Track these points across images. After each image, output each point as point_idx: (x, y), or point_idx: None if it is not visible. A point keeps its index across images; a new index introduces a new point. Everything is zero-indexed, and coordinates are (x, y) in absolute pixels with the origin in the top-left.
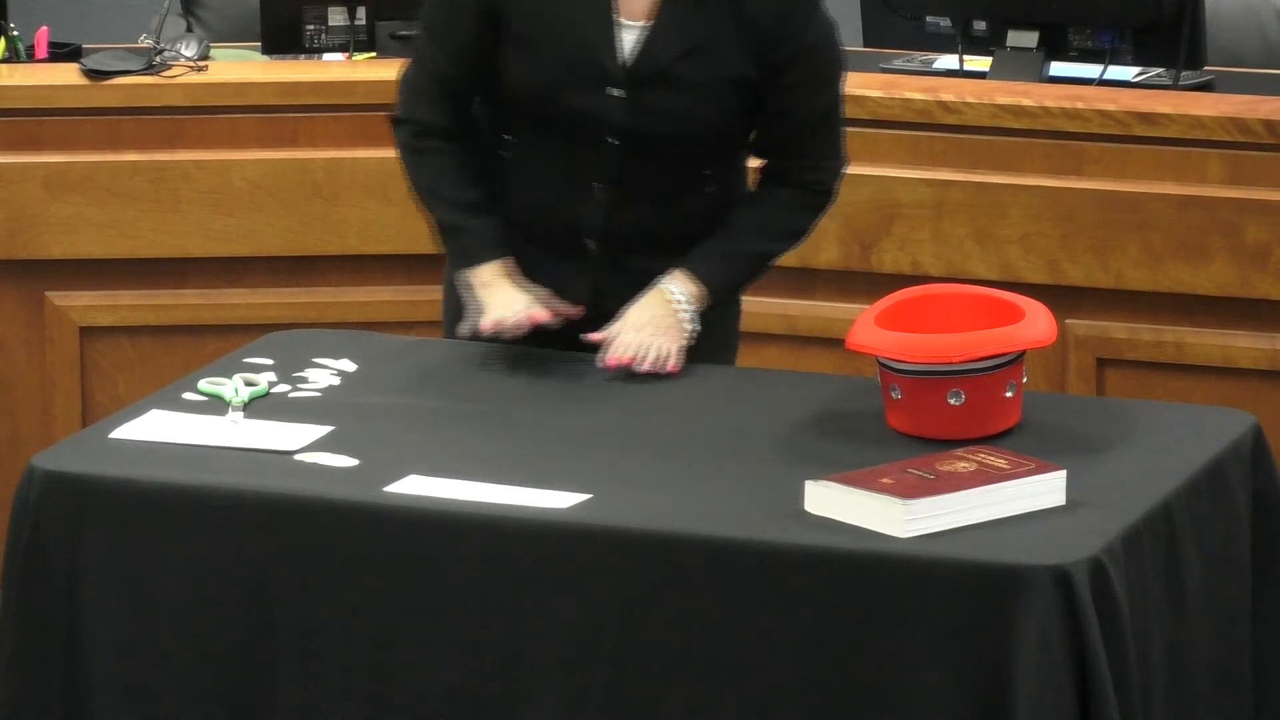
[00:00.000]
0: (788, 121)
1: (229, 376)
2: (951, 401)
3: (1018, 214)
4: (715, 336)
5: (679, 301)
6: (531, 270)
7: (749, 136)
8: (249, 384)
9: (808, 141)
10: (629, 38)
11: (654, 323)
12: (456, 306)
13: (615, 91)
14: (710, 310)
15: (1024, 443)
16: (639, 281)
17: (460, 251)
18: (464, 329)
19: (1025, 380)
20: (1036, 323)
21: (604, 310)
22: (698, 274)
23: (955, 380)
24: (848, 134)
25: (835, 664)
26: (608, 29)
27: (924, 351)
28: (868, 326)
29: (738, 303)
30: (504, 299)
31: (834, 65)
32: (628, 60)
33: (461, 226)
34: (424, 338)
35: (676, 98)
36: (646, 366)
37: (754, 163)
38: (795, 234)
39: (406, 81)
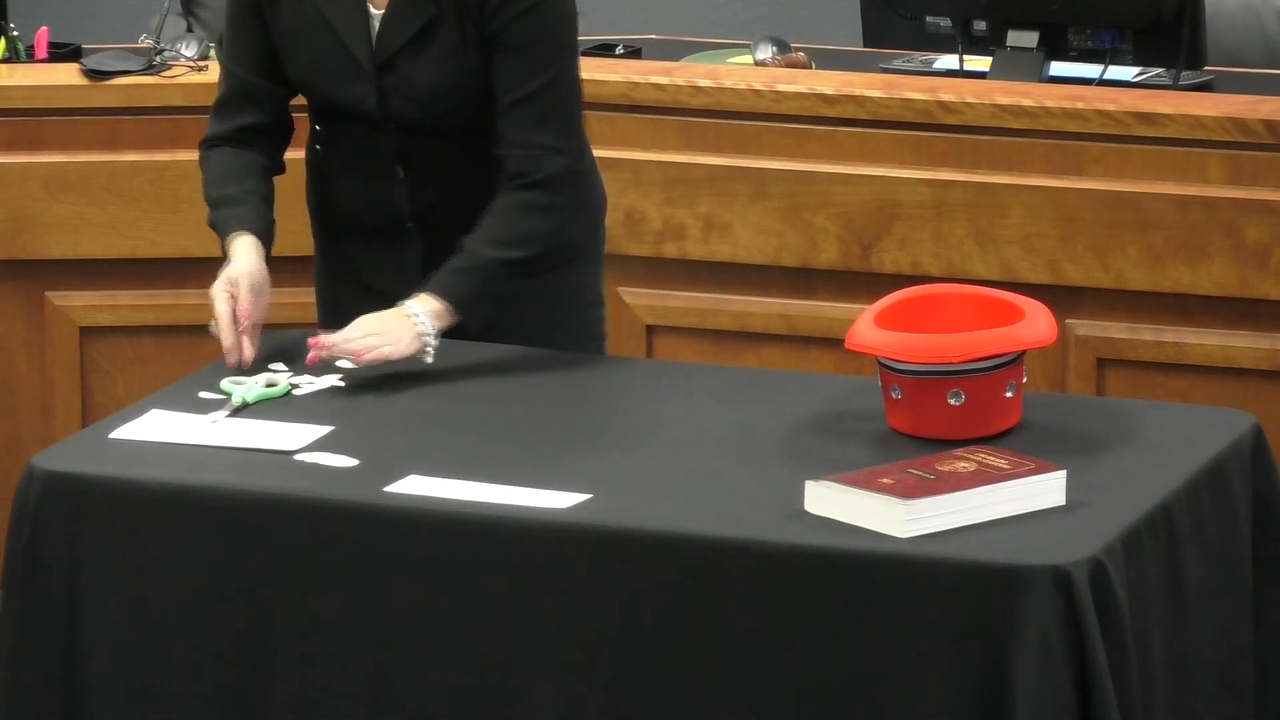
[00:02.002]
0: (501, 100)
1: (250, 375)
2: (951, 401)
3: (1018, 214)
4: (572, 330)
5: (415, 315)
6: (361, 263)
7: None
8: (270, 384)
9: (521, 126)
10: (376, 25)
11: (382, 327)
12: (328, 301)
13: (367, 79)
14: (454, 325)
15: (1024, 443)
16: None
17: (221, 242)
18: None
19: (1025, 380)
20: (1036, 323)
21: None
22: (435, 291)
23: (955, 380)
24: (850, 134)
25: (835, 664)
26: (361, 17)
27: (924, 351)
28: (868, 326)
29: (597, 297)
30: (221, 277)
31: (549, 42)
32: (374, 46)
33: (216, 220)
34: None
35: (417, 78)
36: (344, 352)
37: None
38: (524, 240)
39: (211, 109)
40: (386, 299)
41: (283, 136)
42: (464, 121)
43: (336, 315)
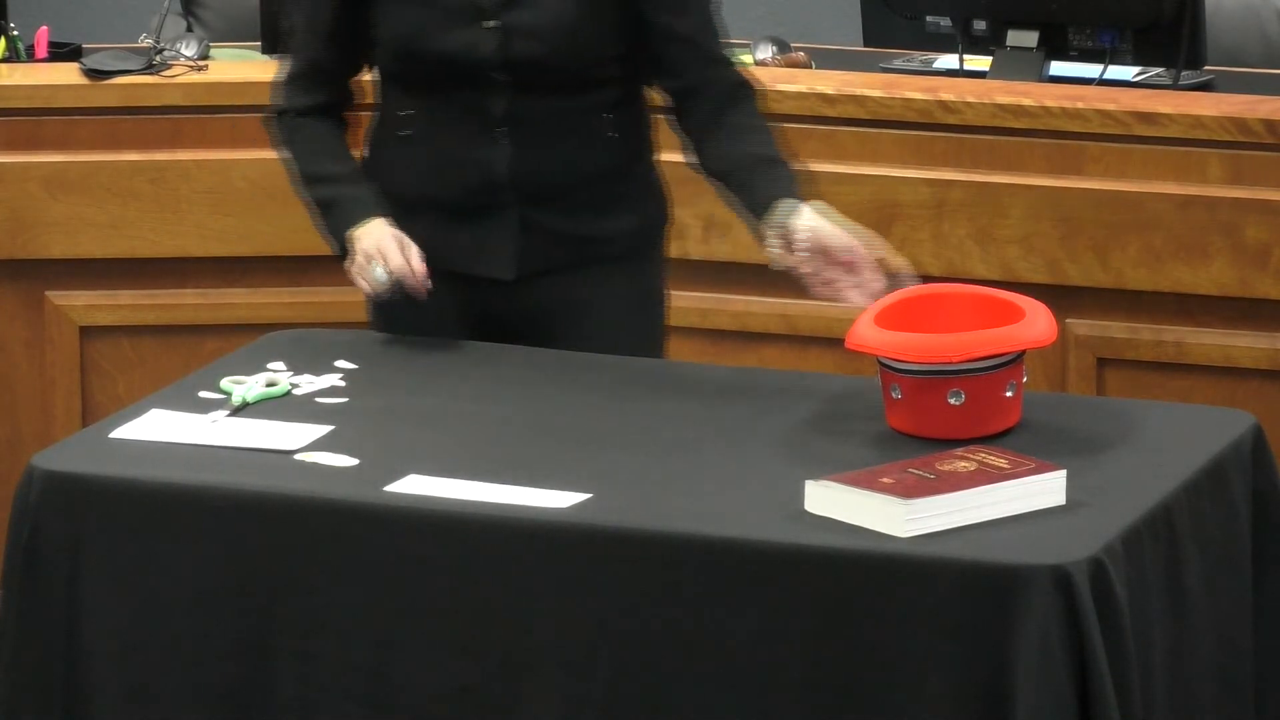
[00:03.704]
0: (681, 24)
1: (250, 375)
2: (952, 401)
3: (1018, 214)
4: (641, 332)
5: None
6: (439, 244)
7: (638, 74)
8: (270, 384)
9: (713, 46)
10: None
11: (843, 225)
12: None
13: (488, 23)
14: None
15: (1024, 443)
16: (557, 243)
17: (339, 221)
18: (369, 287)
19: (1025, 380)
20: (1036, 322)
21: (526, 271)
22: (802, 195)
23: (956, 380)
24: (850, 134)
25: (835, 664)
26: None
27: (924, 351)
28: (868, 326)
29: (664, 294)
30: (372, 236)
31: None
32: None
33: (335, 197)
34: (424, 338)
35: (546, 17)
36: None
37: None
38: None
39: (276, 81)
40: (463, 284)
41: (350, 114)
42: (583, 64)
43: (392, 307)
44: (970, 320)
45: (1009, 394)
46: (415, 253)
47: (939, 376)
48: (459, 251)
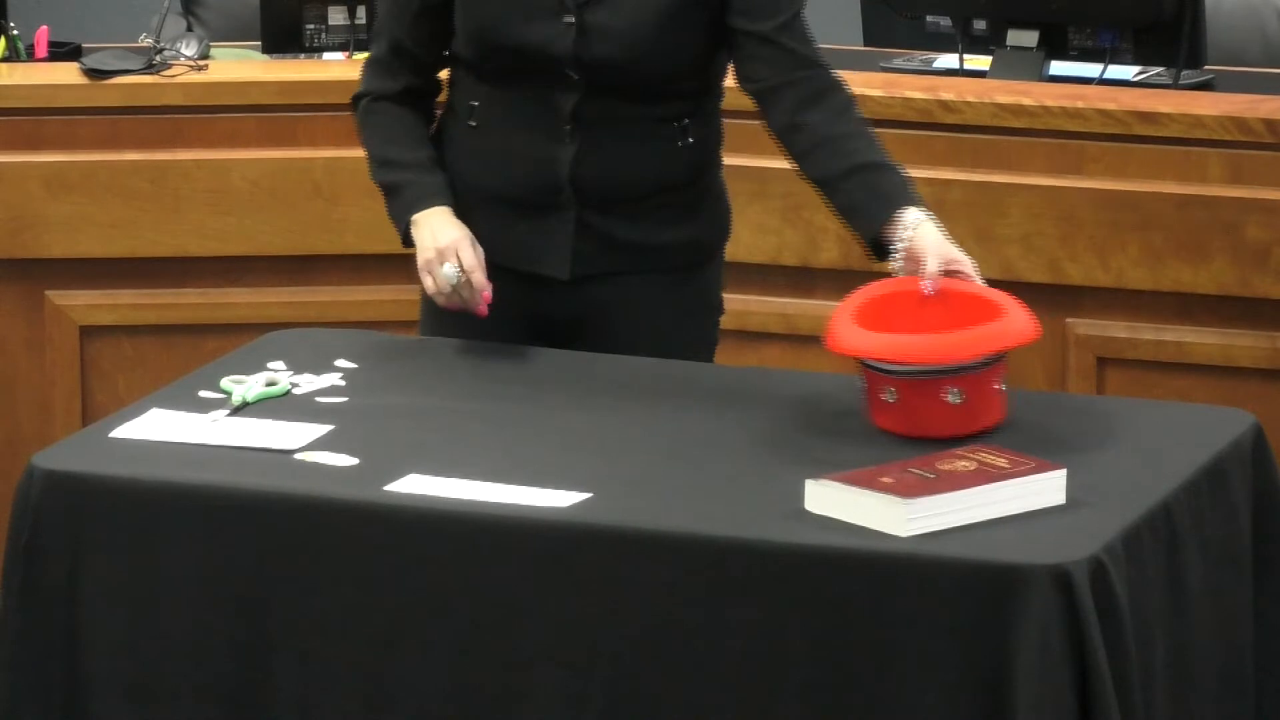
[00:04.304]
0: (762, 26)
1: (250, 374)
2: (950, 400)
3: (1018, 214)
4: (692, 341)
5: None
6: (509, 239)
7: (716, 81)
8: (270, 384)
9: (803, 44)
10: None
11: (948, 249)
12: (432, 303)
13: (567, 18)
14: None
15: (1023, 442)
16: (614, 248)
17: (402, 206)
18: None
19: (1007, 372)
20: (1019, 316)
21: (580, 275)
22: (913, 204)
23: (954, 379)
24: None
25: (835, 664)
26: None
27: (923, 353)
28: (849, 328)
29: (718, 304)
30: (434, 229)
31: None
32: None
33: (403, 182)
34: (424, 337)
35: (623, 19)
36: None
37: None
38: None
39: (365, 63)
40: (518, 279)
41: (435, 102)
42: (659, 70)
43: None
44: (945, 315)
45: (1000, 387)
46: (482, 264)
47: (937, 377)
48: (516, 247)
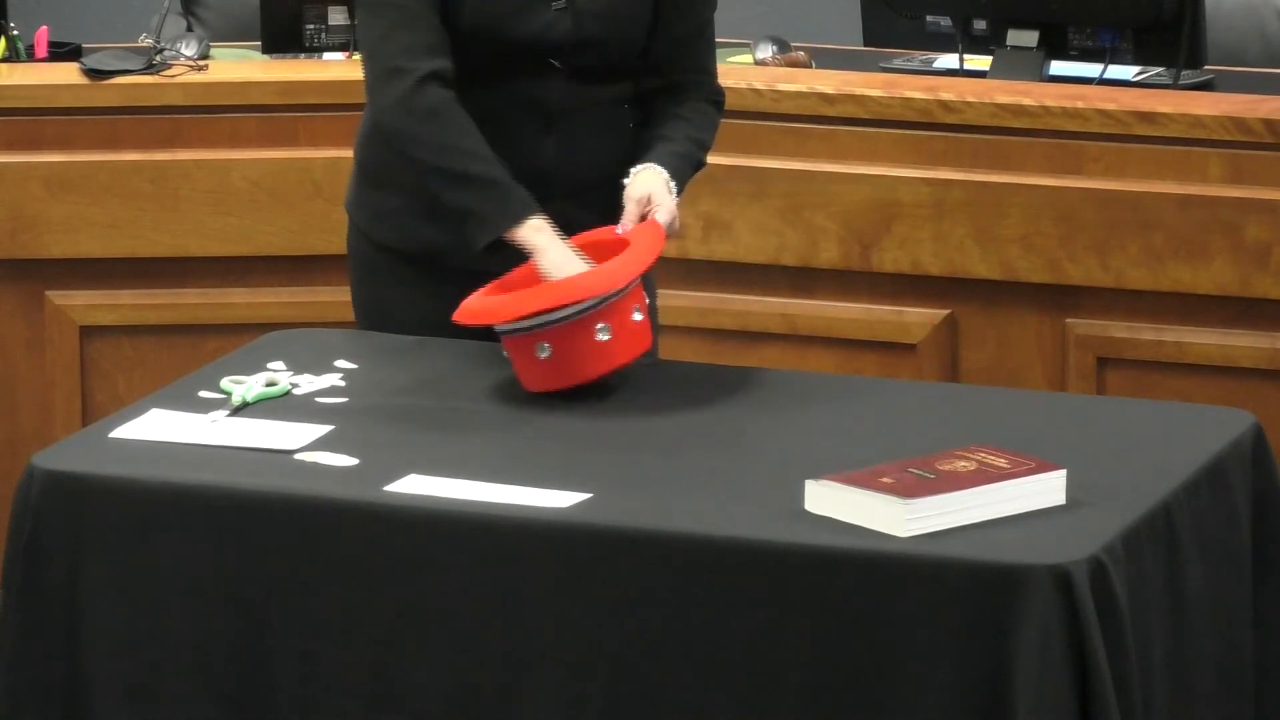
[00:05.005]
0: (676, 29)
1: (250, 375)
2: (600, 339)
3: (1018, 214)
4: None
5: (665, 176)
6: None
7: (647, 59)
8: (270, 384)
9: (701, 54)
10: None
11: (659, 188)
12: (369, 301)
13: (557, 4)
14: None
15: (1023, 442)
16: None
17: (500, 211)
18: None
19: (649, 301)
20: (637, 248)
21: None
22: (662, 164)
23: (541, 335)
24: (850, 133)
25: (835, 664)
26: None
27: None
28: (477, 298)
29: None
30: (563, 260)
31: None
32: None
33: (500, 182)
34: (424, 338)
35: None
36: (664, 218)
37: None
38: (708, 146)
39: (387, 33)
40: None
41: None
42: (633, 43)
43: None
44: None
45: (637, 317)
46: None
47: (527, 334)
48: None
